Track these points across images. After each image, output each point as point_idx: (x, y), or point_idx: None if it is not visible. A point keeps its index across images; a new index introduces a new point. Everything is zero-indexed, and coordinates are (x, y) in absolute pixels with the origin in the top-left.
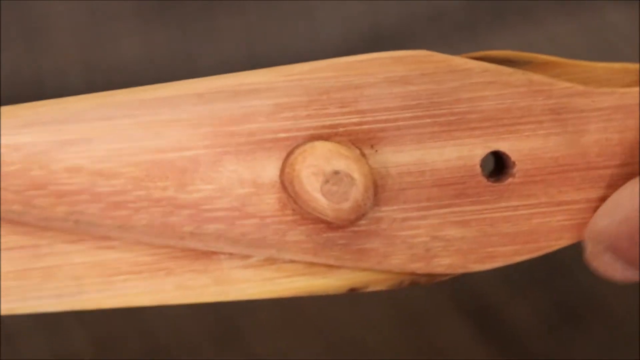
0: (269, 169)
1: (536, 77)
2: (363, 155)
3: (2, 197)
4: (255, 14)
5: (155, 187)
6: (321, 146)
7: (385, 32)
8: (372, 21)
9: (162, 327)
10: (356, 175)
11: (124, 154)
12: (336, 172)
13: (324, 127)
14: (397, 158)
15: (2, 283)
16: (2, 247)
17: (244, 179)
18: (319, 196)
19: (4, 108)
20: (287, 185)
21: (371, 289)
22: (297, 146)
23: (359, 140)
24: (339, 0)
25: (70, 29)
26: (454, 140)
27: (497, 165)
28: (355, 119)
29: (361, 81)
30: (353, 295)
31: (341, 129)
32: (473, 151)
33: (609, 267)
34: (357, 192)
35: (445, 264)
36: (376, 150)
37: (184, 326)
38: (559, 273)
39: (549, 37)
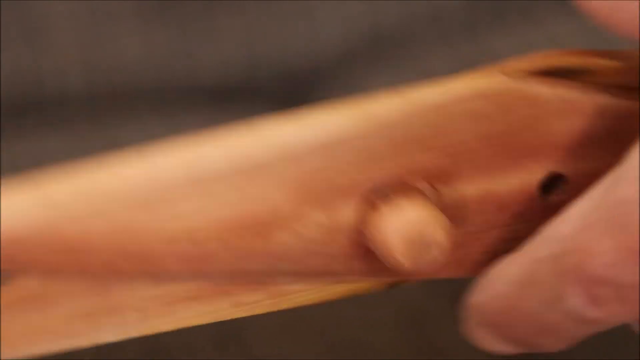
0: (345, 213)
1: (600, 99)
2: (435, 189)
3: (86, 265)
4: (255, 14)
5: (233, 238)
6: (409, 209)
7: (385, 32)
8: (372, 21)
9: None
10: (440, 238)
11: (210, 215)
12: (422, 237)
13: (401, 167)
14: (465, 189)
15: (69, 325)
16: (69, 290)
17: (321, 224)
18: (401, 258)
19: (93, 179)
20: (367, 240)
21: (409, 282)
22: (382, 199)
23: (433, 177)
24: (339, 0)
25: (70, 29)
26: (520, 167)
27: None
28: (432, 157)
29: (444, 121)
30: (355, 296)
31: (418, 167)
32: (534, 175)
33: (485, 341)
34: (437, 252)
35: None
36: (447, 184)
37: (184, 327)
38: None
39: (549, 37)
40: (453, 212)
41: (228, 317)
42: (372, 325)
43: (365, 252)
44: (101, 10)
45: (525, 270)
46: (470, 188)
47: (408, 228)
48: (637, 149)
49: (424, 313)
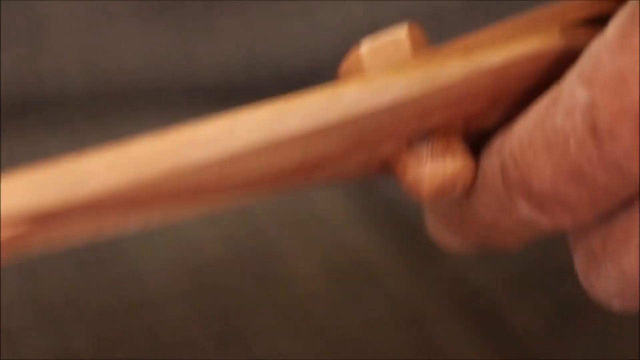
0: (384, 150)
1: None
2: (466, 126)
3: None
4: (255, 14)
5: (281, 179)
6: (447, 159)
7: None
8: (372, 21)
9: (163, 327)
10: (467, 182)
11: (271, 167)
12: (452, 185)
13: (449, 116)
14: (490, 121)
15: (99, 224)
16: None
17: (360, 160)
18: (426, 197)
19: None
20: (393, 169)
21: None
22: (422, 142)
23: (469, 119)
24: (339, 0)
25: (70, 29)
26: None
27: None
28: (476, 106)
29: (499, 81)
30: (355, 296)
31: (462, 114)
32: None
33: (443, 238)
34: (460, 190)
35: None
36: (478, 122)
37: (184, 326)
38: (560, 274)
39: None
40: (473, 140)
41: (241, 203)
42: (372, 325)
43: (382, 169)
44: (101, 10)
45: (479, 177)
46: (495, 120)
47: (442, 177)
48: (570, 76)
49: (424, 313)
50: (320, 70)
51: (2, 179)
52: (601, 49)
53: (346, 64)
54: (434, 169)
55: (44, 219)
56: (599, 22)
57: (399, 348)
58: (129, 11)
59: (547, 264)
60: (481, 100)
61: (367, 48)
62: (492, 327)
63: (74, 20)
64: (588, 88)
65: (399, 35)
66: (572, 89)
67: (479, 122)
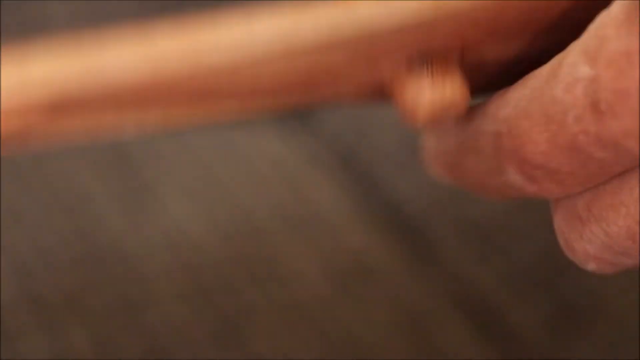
0: (385, 69)
1: None
2: (462, 55)
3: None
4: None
5: (285, 93)
6: (447, 85)
7: None
8: None
9: (162, 327)
10: (461, 111)
11: (281, 78)
12: (447, 112)
13: (450, 39)
14: (487, 53)
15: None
16: None
17: (359, 83)
18: (420, 123)
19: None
20: (390, 91)
21: None
22: (422, 64)
23: (467, 46)
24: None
25: (70, 29)
26: (543, 41)
27: None
28: (477, 32)
29: (502, 8)
30: (354, 296)
31: (461, 39)
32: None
33: (435, 174)
34: (452, 118)
35: None
36: (475, 51)
37: (184, 326)
38: (560, 274)
39: None
40: (470, 69)
41: (239, 115)
42: (372, 325)
43: (378, 93)
44: (101, 10)
45: (471, 136)
46: (491, 54)
47: (441, 103)
48: (574, 49)
49: (424, 313)
50: None
51: (20, 66)
52: (607, 25)
53: None
54: (434, 94)
55: (56, 108)
56: None
57: (399, 348)
58: (129, 11)
59: (547, 264)
60: (481, 27)
61: None
62: (492, 327)
63: (74, 20)
64: (592, 64)
65: None
66: (574, 63)
67: (474, 53)
